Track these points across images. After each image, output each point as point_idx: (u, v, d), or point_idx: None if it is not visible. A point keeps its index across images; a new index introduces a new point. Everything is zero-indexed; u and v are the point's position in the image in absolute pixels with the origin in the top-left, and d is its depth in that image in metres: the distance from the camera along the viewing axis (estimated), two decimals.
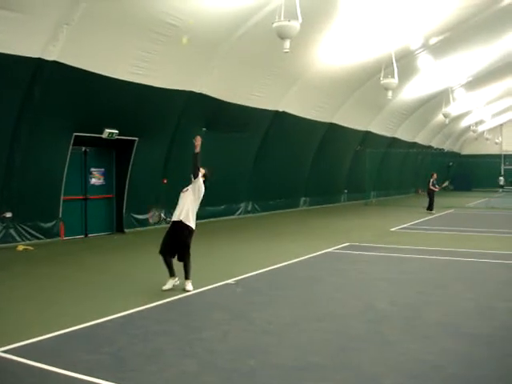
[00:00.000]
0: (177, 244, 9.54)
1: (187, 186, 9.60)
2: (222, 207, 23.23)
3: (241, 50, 18.78)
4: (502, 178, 59.51)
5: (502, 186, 57.59)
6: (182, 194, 9.58)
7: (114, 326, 7.42)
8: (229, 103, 21.03)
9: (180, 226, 9.43)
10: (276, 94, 23.32)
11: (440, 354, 6.36)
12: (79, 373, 5.63)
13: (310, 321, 7.75)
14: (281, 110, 24.46)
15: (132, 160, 18.24)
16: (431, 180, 28.21)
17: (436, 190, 28.16)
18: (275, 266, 11.95)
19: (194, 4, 15.46)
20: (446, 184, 30.43)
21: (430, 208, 27.68)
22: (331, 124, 29.68)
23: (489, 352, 6.42)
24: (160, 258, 9.64)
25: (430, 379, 5.62)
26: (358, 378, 5.65)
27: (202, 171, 9.54)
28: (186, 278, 9.62)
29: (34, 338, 6.78)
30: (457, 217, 26.22)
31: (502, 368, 5.92)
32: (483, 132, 55.15)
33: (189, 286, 9.57)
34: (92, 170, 18.02)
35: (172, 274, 9.64)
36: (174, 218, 9.50)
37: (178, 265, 9.68)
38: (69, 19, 13.56)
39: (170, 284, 9.60)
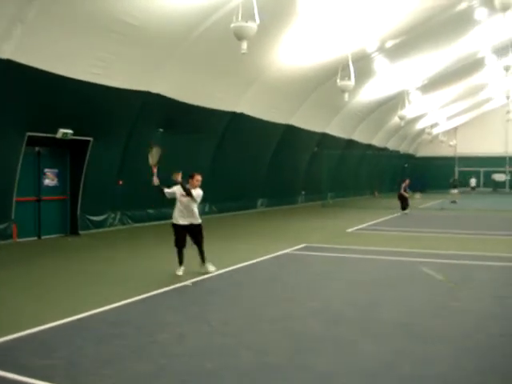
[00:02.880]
0: (193, 239, 11.21)
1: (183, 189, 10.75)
2: None
3: (198, 50, 18.70)
4: (473, 180, 58.70)
5: (473, 188, 57.17)
6: (181, 198, 10.94)
7: (67, 330, 7.29)
8: (186, 104, 20.92)
9: (191, 227, 11.11)
10: (234, 95, 23.31)
11: (395, 353, 6.42)
12: (32, 377, 5.49)
13: (266, 321, 7.74)
14: (238, 111, 24.44)
15: (87, 161, 17.93)
16: (403, 185, 28.70)
17: (406, 196, 28.41)
18: (232, 268, 11.91)
19: (152, 3, 15.34)
20: (417, 197, 31.09)
21: (403, 208, 28.22)
22: (288, 126, 29.79)
23: (442, 351, 6.50)
24: (174, 250, 11.17)
25: (386, 378, 5.66)
26: (314, 378, 5.66)
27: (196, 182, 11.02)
28: (204, 261, 11.28)
29: None
30: (411, 218, 26.56)
31: (454, 367, 6.00)
32: (438, 134, 56.10)
33: (211, 267, 11.30)
34: (46, 170, 17.67)
35: (181, 263, 11.12)
36: (183, 222, 11.04)
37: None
38: (22, 17, 13.29)
39: (181, 270, 11.00)
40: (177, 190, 10.93)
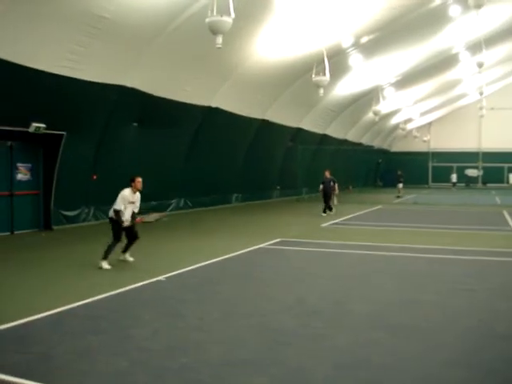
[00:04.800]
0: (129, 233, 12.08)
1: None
2: (154, 203, 22.96)
3: (174, 44, 18.61)
4: (454, 175, 57.61)
5: (454, 184, 56.30)
6: (130, 205, 11.89)
7: (42, 325, 7.24)
8: (161, 98, 20.81)
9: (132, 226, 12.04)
10: (209, 89, 23.25)
11: (367, 345, 6.49)
12: (7, 374, 5.46)
13: (240, 316, 7.76)
14: (214, 105, 24.40)
15: (60, 155, 17.75)
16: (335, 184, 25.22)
17: (319, 191, 25.37)
18: (207, 262, 11.91)
19: None
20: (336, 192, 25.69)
21: (328, 209, 24.87)
22: (263, 120, 29.81)
23: (413, 343, 6.59)
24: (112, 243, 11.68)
25: (358, 371, 5.72)
26: (288, 372, 5.70)
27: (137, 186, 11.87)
28: (127, 251, 12.11)
29: None
30: (385, 213, 26.79)
31: (425, 358, 6.08)
32: (412, 130, 56.59)
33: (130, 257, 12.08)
34: (18, 165, 17.46)
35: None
36: (127, 223, 11.87)
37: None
38: None
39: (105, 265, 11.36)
40: (126, 200, 11.82)
